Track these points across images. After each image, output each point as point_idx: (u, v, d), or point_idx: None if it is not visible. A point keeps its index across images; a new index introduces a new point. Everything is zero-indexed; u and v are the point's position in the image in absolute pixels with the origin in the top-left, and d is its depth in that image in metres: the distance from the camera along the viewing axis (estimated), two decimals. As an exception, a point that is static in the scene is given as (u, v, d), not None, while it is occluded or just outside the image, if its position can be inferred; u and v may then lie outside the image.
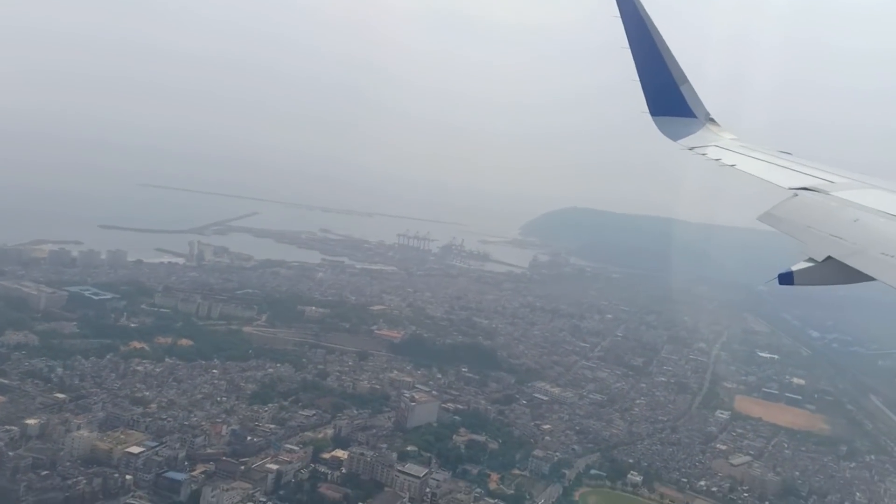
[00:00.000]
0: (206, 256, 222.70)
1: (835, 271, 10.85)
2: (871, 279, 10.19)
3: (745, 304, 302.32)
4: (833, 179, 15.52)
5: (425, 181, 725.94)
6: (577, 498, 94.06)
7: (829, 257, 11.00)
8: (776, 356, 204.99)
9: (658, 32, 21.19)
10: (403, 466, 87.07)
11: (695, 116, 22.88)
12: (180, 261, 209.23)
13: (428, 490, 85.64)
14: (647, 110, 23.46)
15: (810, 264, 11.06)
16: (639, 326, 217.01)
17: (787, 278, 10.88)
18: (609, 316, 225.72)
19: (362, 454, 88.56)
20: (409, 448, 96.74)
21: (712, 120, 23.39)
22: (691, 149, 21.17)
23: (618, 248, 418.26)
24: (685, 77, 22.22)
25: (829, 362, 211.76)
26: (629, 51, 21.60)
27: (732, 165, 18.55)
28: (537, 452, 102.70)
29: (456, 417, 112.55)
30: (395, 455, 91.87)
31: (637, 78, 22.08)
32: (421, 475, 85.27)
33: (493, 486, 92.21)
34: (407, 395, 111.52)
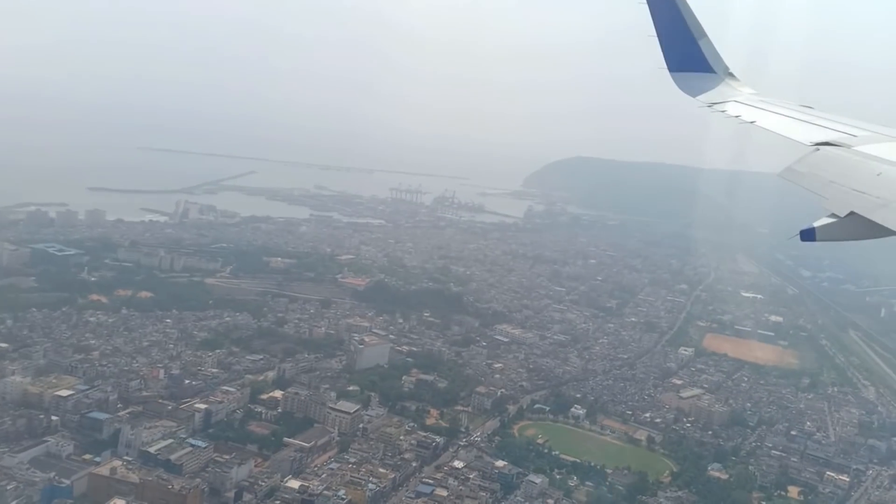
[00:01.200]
0: (190, 215, 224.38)
1: (858, 226, 10.66)
2: (895, 233, 10.10)
3: (740, 246, 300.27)
4: (855, 133, 15.19)
5: (432, 135, 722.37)
6: (514, 431, 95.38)
7: (851, 212, 10.77)
8: (760, 295, 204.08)
9: None
10: (336, 404, 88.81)
11: (714, 72, 22.56)
12: (163, 219, 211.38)
13: (361, 425, 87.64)
14: (665, 66, 22.96)
15: (833, 220, 10.86)
16: (622, 270, 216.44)
17: (809, 234, 10.68)
18: (593, 261, 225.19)
19: (297, 393, 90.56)
20: (350, 388, 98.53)
21: (731, 75, 23.09)
22: (710, 105, 21.05)
23: (621, 196, 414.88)
24: (703, 31, 21.85)
25: (815, 300, 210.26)
26: (646, 6, 21.29)
27: (752, 121, 18.48)
28: (480, 389, 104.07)
29: (409, 359, 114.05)
30: (333, 394, 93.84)
31: (654, 33, 21.72)
32: (352, 411, 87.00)
33: (431, 421, 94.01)
34: (357, 339, 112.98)
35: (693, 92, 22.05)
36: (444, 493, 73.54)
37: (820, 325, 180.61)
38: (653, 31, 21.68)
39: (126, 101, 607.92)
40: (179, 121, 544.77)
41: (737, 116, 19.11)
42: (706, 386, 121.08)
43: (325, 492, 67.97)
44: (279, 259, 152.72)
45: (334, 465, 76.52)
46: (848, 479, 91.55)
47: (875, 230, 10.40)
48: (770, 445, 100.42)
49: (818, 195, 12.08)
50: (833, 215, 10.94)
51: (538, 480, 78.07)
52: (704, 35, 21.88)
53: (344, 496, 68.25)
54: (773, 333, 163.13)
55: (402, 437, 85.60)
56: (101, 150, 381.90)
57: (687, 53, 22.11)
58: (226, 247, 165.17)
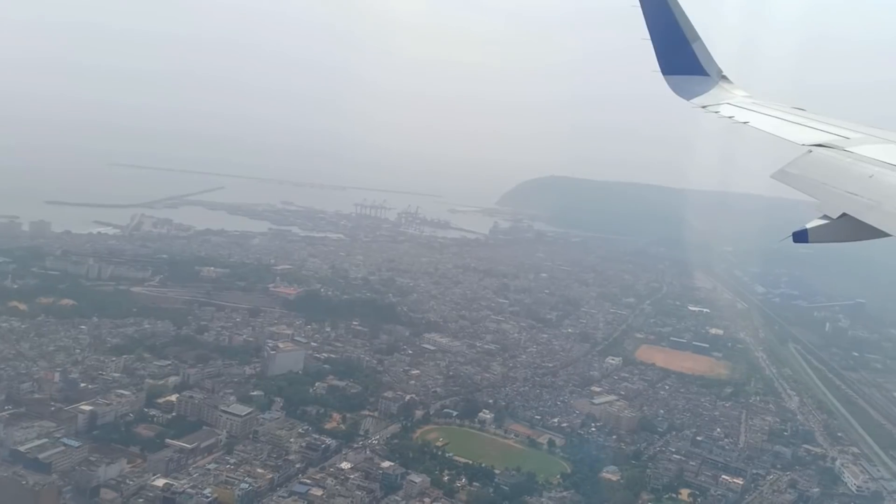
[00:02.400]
0: (142, 227, 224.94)
1: (850, 228, 10.64)
2: (887, 235, 10.15)
3: (701, 263, 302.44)
4: (848, 135, 15.20)
5: (411, 154, 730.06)
6: (416, 435, 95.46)
7: (843, 214, 10.74)
8: (706, 310, 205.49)
9: None
10: (230, 407, 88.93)
11: (707, 74, 22.73)
12: (113, 232, 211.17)
13: (255, 428, 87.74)
14: (659, 69, 23.17)
15: (825, 221, 10.85)
16: (571, 284, 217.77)
17: (801, 236, 10.73)
18: (544, 275, 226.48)
19: (191, 397, 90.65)
20: (254, 393, 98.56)
21: (725, 77, 23.25)
22: (704, 107, 21.14)
23: (592, 215, 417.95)
24: (697, 34, 22.04)
25: (762, 315, 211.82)
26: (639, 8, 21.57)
27: (745, 122, 18.57)
28: (388, 394, 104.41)
29: (326, 366, 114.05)
30: (233, 398, 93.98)
31: (648, 37, 21.95)
32: (243, 414, 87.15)
33: (331, 425, 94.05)
34: (271, 346, 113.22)
35: (687, 95, 22.34)
36: (320, 492, 73.70)
37: (760, 338, 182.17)
38: (646, 35, 21.87)
39: (104, 119, 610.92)
40: (156, 138, 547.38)
41: (730, 117, 19.37)
42: (623, 393, 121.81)
43: (189, 489, 67.93)
44: (212, 269, 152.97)
45: (212, 466, 76.60)
46: (742, 483, 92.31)
47: (867, 231, 10.42)
48: (673, 450, 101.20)
49: (811, 197, 12.18)
50: (826, 217, 10.94)
51: (419, 480, 78.38)
52: (698, 38, 22.12)
53: (209, 494, 68.18)
54: (707, 345, 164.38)
55: (292, 440, 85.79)
56: (72, 166, 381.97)
57: (680, 56, 22.32)
58: (165, 257, 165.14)
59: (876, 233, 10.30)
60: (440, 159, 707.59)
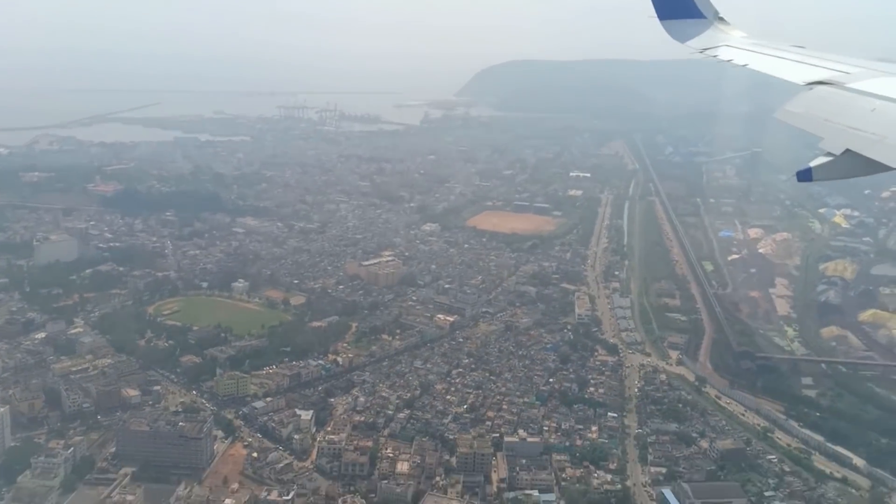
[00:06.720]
0: (38, 146, 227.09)
1: (854, 163, 10.51)
2: (891, 169, 10.20)
3: (626, 131, 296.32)
4: (848, 70, 15.11)
5: (375, 54, 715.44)
6: (152, 308, 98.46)
7: (847, 150, 10.65)
8: (587, 174, 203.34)
9: None
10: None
11: (703, 16, 22.56)
12: (4, 151, 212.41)
13: None
14: (655, 14, 23.05)
15: (829, 158, 10.73)
16: (455, 163, 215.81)
17: (805, 175, 10.61)
18: (431, 157, 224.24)
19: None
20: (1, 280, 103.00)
21: (721, 19, 23.03)
22: (702, 51, 20.90)
23: (546, 96, 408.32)
24: None
25: (646, 174, 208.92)
26: None
27: (745, 65, 18.38)
28: (137, 273, 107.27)
29: (105, 254, 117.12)
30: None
31: None
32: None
33: (66, 303, 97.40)
34: (39, 237, 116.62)
35: (683, 38, 22.11)
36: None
37: (621, 194, 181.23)
38: None
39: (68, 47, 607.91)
40: (110, 61, 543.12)
41: (729, 60, 19.20)
42: (408, 255, 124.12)
43: None
44: (35, 174, 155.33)
45: None
46: (453, 320, 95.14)
47: (871, 166, 10.37)
48: (414, 298, 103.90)
49: (813, 134, 12.06)
50: (829, 154, 10.77)
51: (89, 340, 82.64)
52: None
53: None
54: (548, 205, 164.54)
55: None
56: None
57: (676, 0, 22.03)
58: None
59: (880, 167, 10.23)
60: (407, 58, 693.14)
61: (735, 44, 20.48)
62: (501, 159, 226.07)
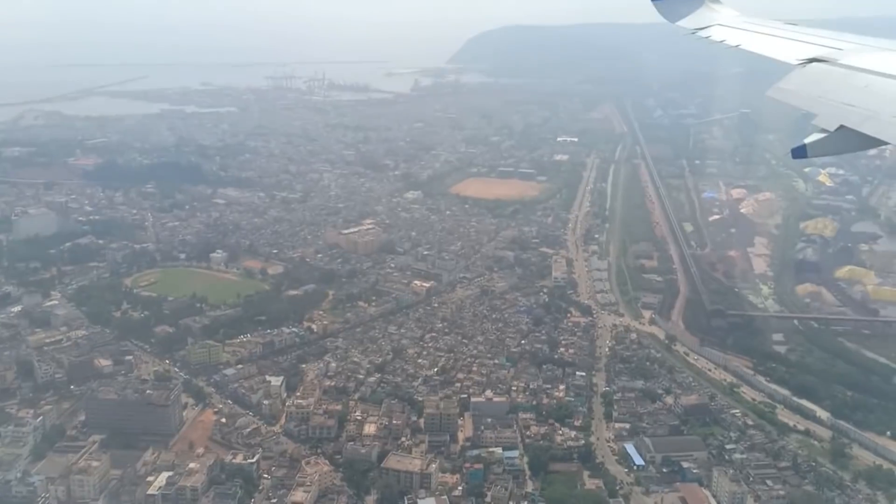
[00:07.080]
0: (23, 121, 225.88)
1: (848, 139, 10.63)
2: (885, 144, 10.33)
3: (616, 95, 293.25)
4: (841, 46, 15.12)
5: (363, 20, 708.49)
6: (130, 279, 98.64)
7: (841, 126, 10.76)
8: (575, 139, 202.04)
9: None
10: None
11: None
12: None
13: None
14: None
15: (823, 135, 10.85)
16: (443, 130, 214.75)
17: (800, 151, 10.83)
18: (418, 124, 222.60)
19: None
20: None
21: None
22: (694, 31, 20.71)
23: (539, 61, 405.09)
24: None
25: (634, 137, 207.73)
26: None
27: (737, 45, 18.36)
28: (114, 245, 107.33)
29: (85, 227, 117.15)
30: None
31: None
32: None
33: (43, 277, 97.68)
34: (17, 211, 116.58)
35: (675, 18, 22.03)
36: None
37: (607, 158, 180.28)
38: None
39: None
40: (99, 34, 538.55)
41: (722, 41, 19.09)
42: (389, 222, 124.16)
43: None
44: (17, 149, 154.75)
45: None
46: (432, 285, 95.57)
47: (865, 142, 10.46)
48: (393, 266, 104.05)
49: (807, 111, 12.16)
50: (823, 130, 10.91)
51: (63, 312, 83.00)
52: None
53: None
54: (533, 171, 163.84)
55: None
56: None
57: None
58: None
59: (874, 142, 10.34)
60: (399, 26, 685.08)
61: (727, 23, 20.53)
62: (489, 126, 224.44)
